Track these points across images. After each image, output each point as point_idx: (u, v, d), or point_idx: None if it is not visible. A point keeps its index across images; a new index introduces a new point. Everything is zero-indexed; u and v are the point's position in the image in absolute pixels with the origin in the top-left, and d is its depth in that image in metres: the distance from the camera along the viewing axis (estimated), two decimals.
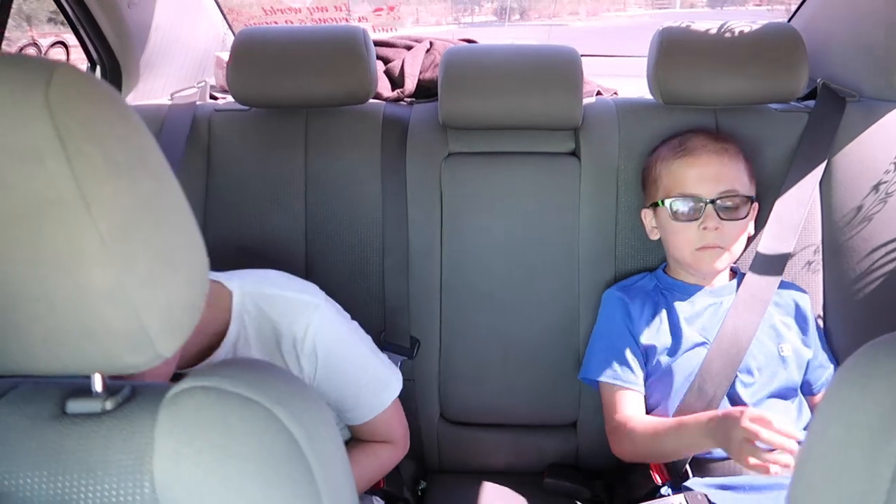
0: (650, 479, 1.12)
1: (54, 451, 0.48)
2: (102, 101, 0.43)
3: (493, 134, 1.30)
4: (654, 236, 1.21)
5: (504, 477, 1.29)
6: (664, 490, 1.10)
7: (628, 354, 1.15)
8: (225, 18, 1.84)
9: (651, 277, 1.23)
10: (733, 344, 1.10)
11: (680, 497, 1.06)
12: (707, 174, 1.12)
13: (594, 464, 1.30)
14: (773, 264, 1.17)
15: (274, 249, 1.30)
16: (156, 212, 0.45)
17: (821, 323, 1.22)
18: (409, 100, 1.50)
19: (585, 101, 1.29)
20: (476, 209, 1.29)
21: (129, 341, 0.44)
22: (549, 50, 1.30)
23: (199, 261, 0.49)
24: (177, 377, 0.59)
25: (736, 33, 1.22)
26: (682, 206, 1.13)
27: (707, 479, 1.07)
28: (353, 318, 1.05)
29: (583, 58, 1.27)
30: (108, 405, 0.49)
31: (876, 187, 1.19)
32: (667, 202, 1.14)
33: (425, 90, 1.51)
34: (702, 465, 1.09)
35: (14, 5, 1.20)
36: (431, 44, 1.62)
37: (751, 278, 1.16)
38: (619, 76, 1.74)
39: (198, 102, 1.42)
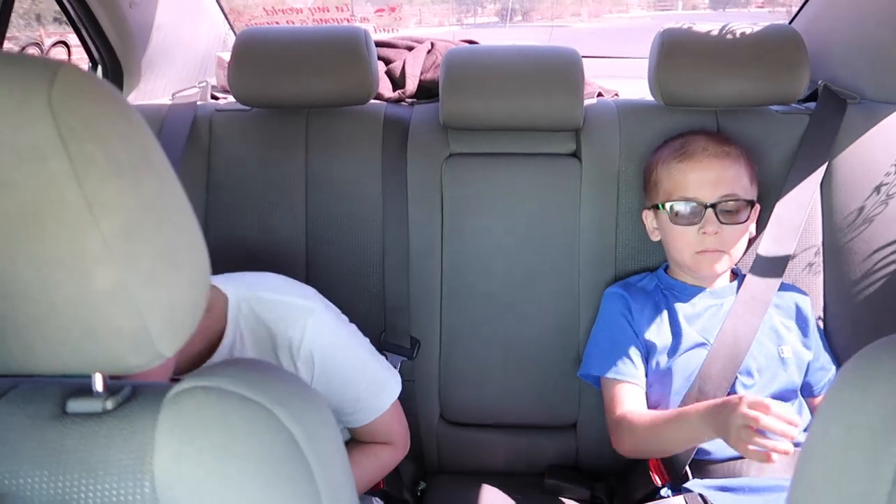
0: (650, 481, 1.12)
1: (55, 451, 0.48)
2: (105, 101, 0.43)
3: (493, 135, 1.30)
4: (656, 237, 1.21)
5: (504, 478, 1.29)
6: (664, 491, 1.10)
7: (629, 349, 1.15)
8: (226, 18, 1.84)
9: (652, 277, 1.23)
10: (733, 345, 1.10)
11: (679, 498, 1.06)
12: (707, 178, 1.12)
13: (594, 465, 1.30)
14: (773, 266, 1.17)
15: (274, 249, 1.30)
16: (158, 211, 0.45)
17: (821, 324, 1.22)
18: (410, 100, 1.50)
19: (586, 102, 1.29)
20: (477, 210, 1.29)
21: (130, 341, 0.44)
22: (551, 51, 1.30)
23: (201, 260, 0.49)
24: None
25: (737, 35, 1.22)
26: (682, 210, 1.13)
27: (707, 481, 1.07)
28: (353, 318, 1.05)
29: (584, 59, 1.27)
30: (109, 405, 0.49)
31: (877, 189, 1.19)
32: (667, 205, 1.14)
33: (426, 91, 1.51)
34: (701, 467, 1.09)
35: (26, 6, 1.21)
36: (433, 44, 1.62)
37: (751, 280, 1.16)
38: (620, 77, 1.74)
39: (199, 102, 1.42)
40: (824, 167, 1.23)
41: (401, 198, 1.28)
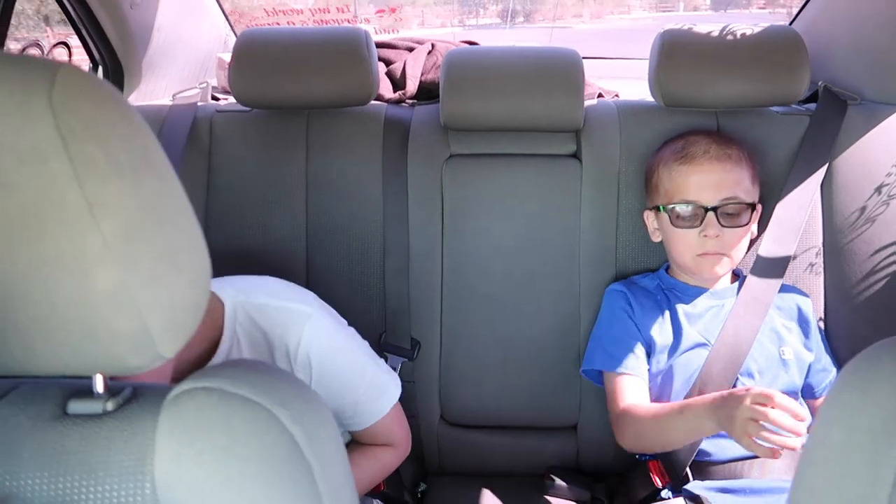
0: (650, 482, 1.12)
1: (55, 452, 0.48)
2: (105, 102, 0.43)
3: (494, 136, 1.30)
4: (657, 238, 1.21)
5: (504, 479, 1.29)
6: (664, 493, 1.10)
7: (631, 343, 1.15)
8: (227, 19, 1.84)
9: (653, 277, 1.23)
10: (734, 346, 1.10)
11: (680, 500, 1.06)
12: (708, 181, 1.12)
13: (595, 466, 1.30)
14: (774, 267, 1.17)
15: (274, 250, 1.30)
16: (159, 212, 0.45)
17: (822, 326, 1.22)
18: (410, 101, 1.50)
19: (587, 103, 1.29)
20: (477, 211, 1.29)
21: (131, 342, 0.44)
22: (551, 52, 1.30)
23: (201, 261, 0.49)
24: None
25: (737, 36, 1.22)
26: (682, 213, 1.13)
27: (707, 483, 1.07)
28: (354, 319, 1.05)
29: (584, 60, 1.27)
30: (110, 406, 0.49)
31: (878, 190, 1.19)
32: (668, 208, 1.14)
33: (427, 92, 1.51)
34: (702, 469, 1.09)
35: (33, 7, 1.21)
36: (433, 45, 1.62)
37: (752, 281, 1.16)
38: (621, 78, 1.74)
39: (199, 103, 1.42)
40: (825, 168, 1.23)
41: (401, 199, 1.28)
